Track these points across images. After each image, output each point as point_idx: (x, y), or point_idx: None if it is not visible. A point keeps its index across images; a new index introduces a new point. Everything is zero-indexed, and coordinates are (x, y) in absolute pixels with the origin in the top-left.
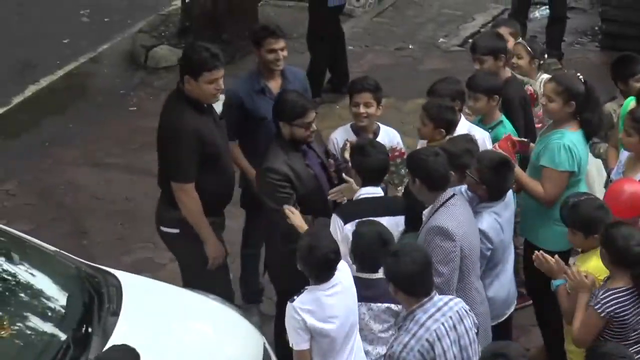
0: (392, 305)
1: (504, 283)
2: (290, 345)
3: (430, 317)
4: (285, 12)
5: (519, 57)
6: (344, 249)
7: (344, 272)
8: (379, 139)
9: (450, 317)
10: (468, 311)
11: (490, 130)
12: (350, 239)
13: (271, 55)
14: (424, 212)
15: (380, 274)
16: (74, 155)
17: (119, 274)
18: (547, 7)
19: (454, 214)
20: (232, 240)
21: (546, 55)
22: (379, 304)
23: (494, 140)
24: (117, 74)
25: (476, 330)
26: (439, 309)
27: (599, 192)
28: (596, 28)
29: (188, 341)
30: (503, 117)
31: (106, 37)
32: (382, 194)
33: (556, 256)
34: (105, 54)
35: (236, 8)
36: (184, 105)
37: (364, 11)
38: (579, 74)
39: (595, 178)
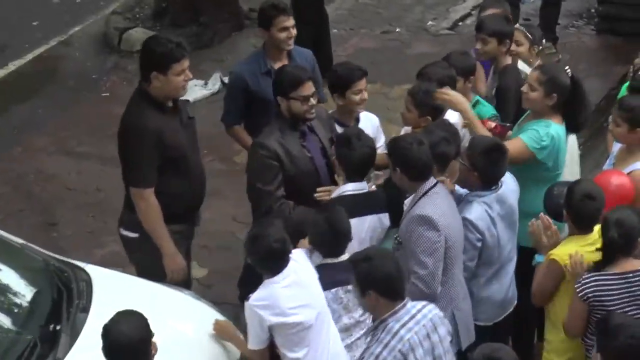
0: None
1: (504, 285)
2: (249, 347)
3: (403, 325)
4: None
5: (519, 43)
6: None
7: (300, 262)
8: (361, 124)
9: (424, 326)
10: (442, 318)
11: None
12: None
13: (283, 33)
14: (405, 202)
15: (345, 256)
16: (44, 142)
17: (90, 268)
18: None
19: (437, 203)
20: (211, 232)
21: (544, 41)
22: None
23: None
24: (89, 58)
25: (450, 339)
26: (412, 317)
27: None
28: (592, 10)
29: (162, 338)
30: (478, 97)
31: (78, 19)
32: (366, 189)
33: (554, 228)
34: (76, 36)
35: None
36: (146, 105)
37: None
38: (567, 68)
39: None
